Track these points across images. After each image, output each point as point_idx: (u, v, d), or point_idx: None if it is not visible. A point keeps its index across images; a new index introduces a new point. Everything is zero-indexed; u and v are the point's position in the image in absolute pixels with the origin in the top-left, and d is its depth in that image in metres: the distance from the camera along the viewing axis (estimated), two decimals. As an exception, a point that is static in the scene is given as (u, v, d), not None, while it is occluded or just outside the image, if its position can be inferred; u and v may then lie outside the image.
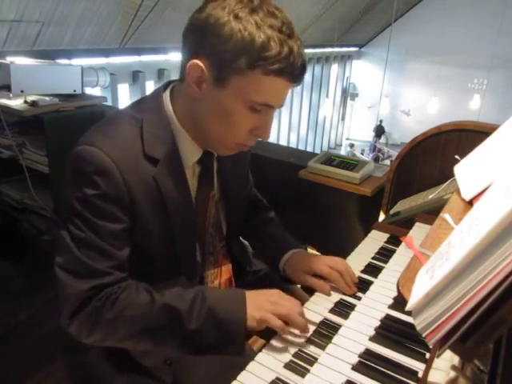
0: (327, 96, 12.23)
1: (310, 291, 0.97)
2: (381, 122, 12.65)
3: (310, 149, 12.10)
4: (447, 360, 0.70)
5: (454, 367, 0.65)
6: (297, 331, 0.81)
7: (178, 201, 0.85)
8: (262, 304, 0.80)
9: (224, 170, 0.99)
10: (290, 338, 0.80)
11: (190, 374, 0.91)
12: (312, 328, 0.83)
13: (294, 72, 0.75)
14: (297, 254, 1.03)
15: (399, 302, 0.88)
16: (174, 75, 5.83)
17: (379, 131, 12.85)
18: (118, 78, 5.71)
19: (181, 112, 0.85)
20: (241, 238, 1.17)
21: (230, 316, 0.78)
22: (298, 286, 1.10)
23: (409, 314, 0.59)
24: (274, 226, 1.13)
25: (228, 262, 1.07)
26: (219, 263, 1.03)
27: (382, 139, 13.15)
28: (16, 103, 1.81)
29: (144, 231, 0.83)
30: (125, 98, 6.22)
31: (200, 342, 0.78)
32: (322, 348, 0.78)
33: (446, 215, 0.83)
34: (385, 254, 1.08)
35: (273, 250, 1.06)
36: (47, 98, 1.83)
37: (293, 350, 0.78)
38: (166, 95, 0.86)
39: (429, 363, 0.71)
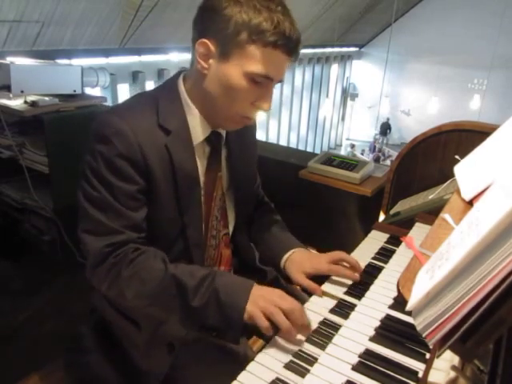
0: (327, 96, 12.23)
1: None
2: (388, 119, 12.66)
3: (310, 149, 12.10)
4: (447, 360, 0.70)
5: (454, 367, 0.65)
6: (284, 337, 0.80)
7: (185, 170, 0.92)
8: (257, 299, 0.81)
9: (233, 158, 1.04)
10: (284, 340, 0.80)
11: (188, 376, 0.92)
12: (312, 328, 0.83)
13: (289, 44, 0.83)
14: (296, 254, 1.04)
15: (399, 302, 0.88)
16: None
17: (384, 129, 12.83)
18: (118, 78, 5.71)
19: (191, 90, 0.93)
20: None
21: (231, 302, 0.81)
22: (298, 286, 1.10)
23: (409, 314, 0.59)
24: (277, 227, 1.14)
25: (228, 253, 1.08)
26: (219, 249, 1.05)
27: (383, 139, 13.14)
28: (16, 103, 1.81)
29: (156, 197, 0.89)
30: (125, 98, 6.20)
31: (202, 319, 0.82)
32: (322, 348, 0.78)
33: (446, 215, 0.83)
34: (385, 254, 1.08)
35: (275, 250, 1.08)
36: (47, 98, 1.83)
37: (293, 350, 0.78)
38: (180, 78, 0.95)
39: (429, 363, 0.71)
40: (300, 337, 0.80)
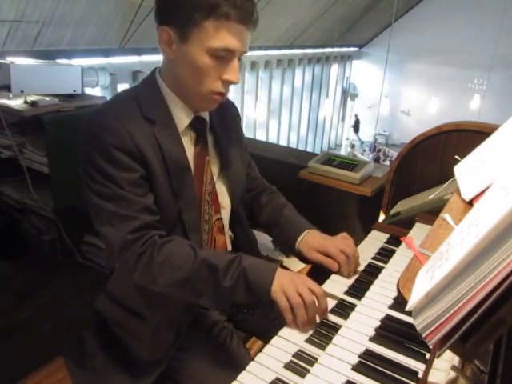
0: (327, 96, 12.21)
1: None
2: (356, 115, 12.78)
3: (310, 149, 12.09)
4: (447, 360, 0.70)
5: (454, 367, 0.65)
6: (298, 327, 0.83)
7: (174, 156, 0.95)
8: (282, 280, 0.85)
9: (219, 143, 1.06)
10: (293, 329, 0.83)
11: (190, 375, 0.92)
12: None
13: (242, 13, 0.86)
14: (310, 234, 1.08)
15: (399, 302, 0.88)
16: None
17: (355, 125, 12.98)
18: (118, 77, 5.69)
19: (167, 79, 0.97)
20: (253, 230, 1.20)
21: (258, 281, 0.85)
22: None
23: (409, 314, 0.59)
24: (288, 210, 1.17)
25: (223, 239, 1.10)
26: (213, 234, 1.06)
27: (382, 139, 13.13)
28: (16, 103, 1.81)
29: (153, 184, 0.92)
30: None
31: (233, 298, 0.86)
32: (322, 348, 0.78)
33: (446, 215, 0.83)
34: (385, 254, 1.08)
35: (289, 233, 1.11)
36: (47, 98, 1.83)
37: (293, 350, 0.78)
38: (156, 72, 1.00)
39: (429, 363, 0.71)
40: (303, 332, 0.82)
